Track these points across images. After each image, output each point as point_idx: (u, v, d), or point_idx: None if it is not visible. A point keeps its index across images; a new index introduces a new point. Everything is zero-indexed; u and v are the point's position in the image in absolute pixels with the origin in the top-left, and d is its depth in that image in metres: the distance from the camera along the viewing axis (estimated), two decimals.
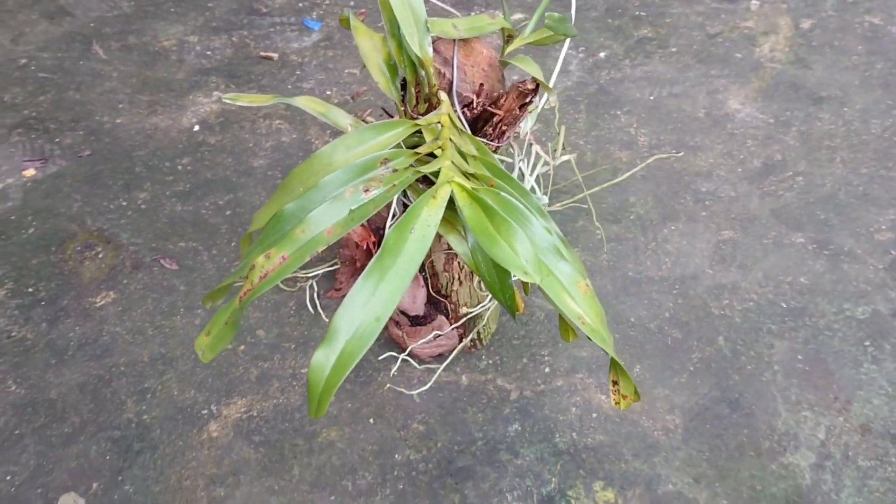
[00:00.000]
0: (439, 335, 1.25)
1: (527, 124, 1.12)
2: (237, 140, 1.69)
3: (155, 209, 1.57)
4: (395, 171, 0.67)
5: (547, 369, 1.32)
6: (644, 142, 1.66)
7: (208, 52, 1.93)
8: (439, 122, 0.81)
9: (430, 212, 0.65)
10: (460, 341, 1.32)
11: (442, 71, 0.92)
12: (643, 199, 1.55)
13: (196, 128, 1.74)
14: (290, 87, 1.82)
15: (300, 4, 2.03)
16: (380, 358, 1.33)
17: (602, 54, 1.86)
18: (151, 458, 1.24)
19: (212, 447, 1.25)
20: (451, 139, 0.80)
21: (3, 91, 1.84)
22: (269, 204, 0.79)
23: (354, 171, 0.70)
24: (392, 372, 1.31)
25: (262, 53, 1.88)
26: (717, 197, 1.55)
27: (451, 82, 0.92)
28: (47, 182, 1.64)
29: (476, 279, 1.20)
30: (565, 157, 1.19)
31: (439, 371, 1.30)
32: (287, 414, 1.28)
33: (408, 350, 1.27)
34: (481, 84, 0.96)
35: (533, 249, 0.62)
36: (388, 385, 1.30)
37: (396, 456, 1.23)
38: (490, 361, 1.34)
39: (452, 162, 0.72)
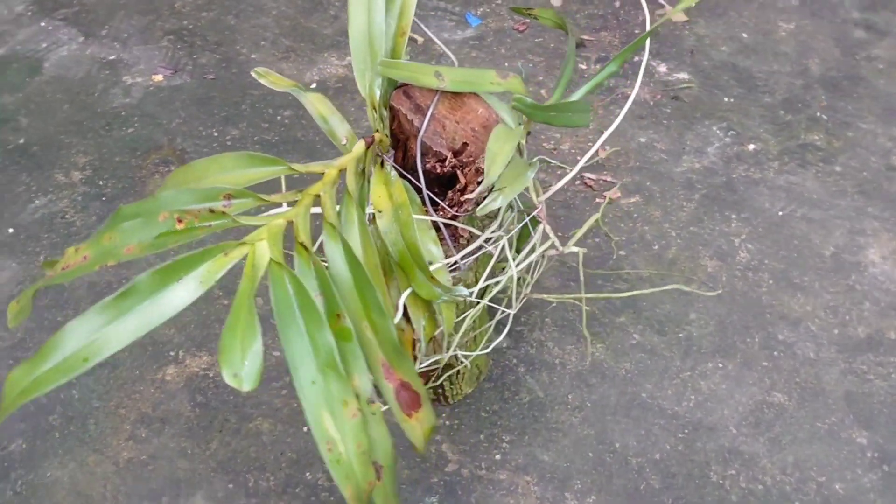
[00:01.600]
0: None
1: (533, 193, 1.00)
2: (340, 109, 1.69)
3: (237, 149, 1.61)
4: (212, 211, 0.60)
5: (498, 456, 1.20)
6: (743, 259, 1.43)
7: None
8: (324, 173, 0.73)
9: (211, 268, 0.58)
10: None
11: (410, 118, 0.83)
12: (704, 320, 1.34)
13: (313, 85, 1.76)
14: None
15: None
16: None
17: (751, 146, 1.62)
18: (108, 374, 1.29)
19: (158, 389, 1.28)
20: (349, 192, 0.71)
21: None
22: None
23: (194, 195, 0.65)
24: None
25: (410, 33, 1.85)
26: (792, 352, 1.30)
27: (419, 131, 0.83)
28: (166, 92, 1.74)
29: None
30: (574, 248, 1.05)
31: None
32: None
33: None
34: (465, 143, 0.86)
35: (258, 359, 0.53)
36: None
37: (307, 474, 1.19)
38: (447, 422, 1.24)
39: (295, 223, 0.64)
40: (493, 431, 1.23)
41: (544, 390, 1.27)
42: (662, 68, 1.79)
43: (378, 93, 0.77)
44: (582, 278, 1.15)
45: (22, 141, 1.65)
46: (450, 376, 1.21)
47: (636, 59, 1.80)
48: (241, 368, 0.52)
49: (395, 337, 0.64)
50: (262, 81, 1.02)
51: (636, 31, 1.88)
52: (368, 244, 0.68)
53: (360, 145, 0.75)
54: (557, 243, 1.05)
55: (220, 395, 1.26)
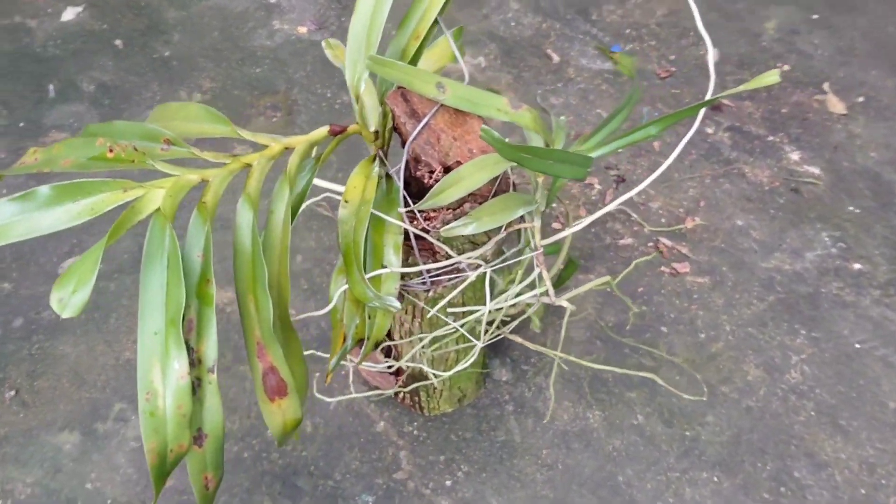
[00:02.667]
0: (373, 367, 1.18)
1: (534, 236, 0.97)
2: None
3: (340, 116, 1.67)
4: (136, 150, 0.63)
5: (449, 482, 1.17)
6: (792, 379, 1.29)
7: (515, 21, 1.93)
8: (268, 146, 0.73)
9: (106, 199, 0.61)
10: (396, 393, 1.24)
11: (403, 121, 0.82)
12: (720, 427, 1.23)
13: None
14: (540, 91, 1.75)
15: (627, 30, 1.90)
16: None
17: (857, 266, 1.46)
18: None
19: None
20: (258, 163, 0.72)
21: None
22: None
23: (141, 132, 0.68)
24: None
25: (549, 51, 1.83)
26: (802, 495, 1.17)
27: (409, 136, 0.82)
28: (303, 44, 1.83)
29: (426, 346, 1.09)
30: (564, 303, 1.00)
31: (357, 396, 1.23)
32: None
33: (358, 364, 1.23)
34: (458, 162, 0.84)
35: (86, 294, 0.55)
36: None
37: (234, 446, 1.22)
38: (416, 432, 1.23)
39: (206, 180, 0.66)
40: (455, 458, 1.20)
41: (523, 436, 1.23)
42: (795, 155, 1.64)
43: (363, 86, 0.77)
44: (562, 333, 1.09)
45: (167, 54, 1.80)
46: (426, 389, 1.19)
47: (756, 134, 1.67)
48: (69, 298, 0.54)
49: (272, 320, 0.65)
50: (327, 53, 1.05)
51: (783, 110, 1.73)
52: (287, 225, 0.68)
53: (320, 131, 0.75)
54: (552, 292, 1.00)
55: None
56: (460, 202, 0.82)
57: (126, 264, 1.43)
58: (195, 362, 0.62)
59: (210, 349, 0.62)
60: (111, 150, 0.65)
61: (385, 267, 0.85)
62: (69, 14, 1.88)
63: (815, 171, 1.62)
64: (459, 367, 1.04)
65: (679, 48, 1.86)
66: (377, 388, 1.25)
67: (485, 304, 1.02)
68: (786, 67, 1.83)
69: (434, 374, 1.09)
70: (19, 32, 1.84)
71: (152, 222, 0.60)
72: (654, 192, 1.57)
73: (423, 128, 0.82)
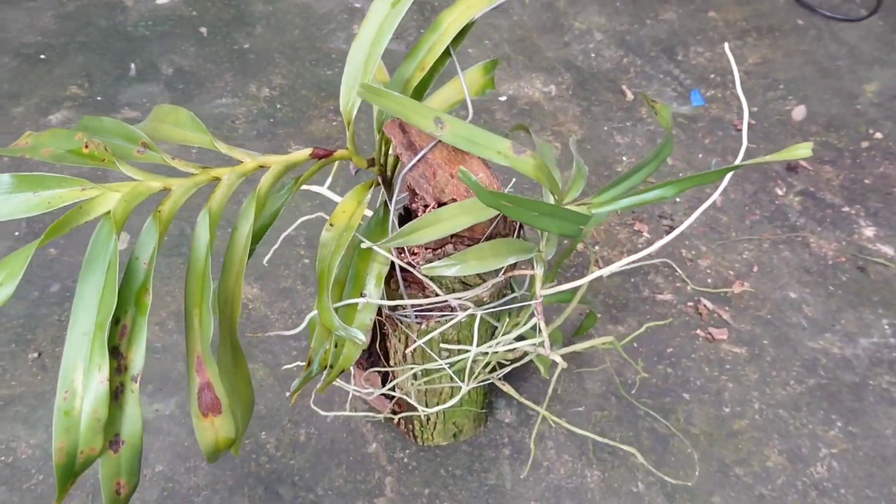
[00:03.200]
0: (358, 391, 1.16)
1: (535, 284, 0.93)
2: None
3: None
4: (106, 150, 0.64)
5: None
6: (817, 474, 1.19)
7: (595, 53, 1.87)
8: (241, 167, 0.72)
9: (64, 194, 0.61)
10: (393, 414, 1.21)
11: (400, 152, 0.80)
12: None
13: (502, 98, 1.75)
14: (606, 127, 1.69)
15: (712, 75, 1.81)
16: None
17: None
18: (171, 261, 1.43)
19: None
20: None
21: None
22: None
23: (122, 131, 0.69)
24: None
25: (624, 87, 1.77)
26: None
27: (403, 167, 0.80)
28: None
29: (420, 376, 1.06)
30: (558, 358, 0.96)
31: (352, 414, 1.22)
32: None
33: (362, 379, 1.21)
34: (453, 199, 0.82)
35: (10, 290, 0.56)
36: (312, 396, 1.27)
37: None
38: (406, 460, 1.21)
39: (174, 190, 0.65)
40: (440, 493, 1.17)
41: (514, 483, 1.18)
42: (869, 231, 1.52)
43: (355, 112, 0.76)
44: (549, 391, 1.04)
45: (246, 46, 1.85)
46: (419, 419, 1.17)
47: (830, 202, 1.55)
48: None
49: (210, 337, 0.64)
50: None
51: (866, 180, 1.61)
52: (247, 246, 0.67)
53: (302, 153, 0.74)
54: (547, 344, 0.96)
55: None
56: (441, 243, 0.79)
57: (176, 242, 1.47)
58: (122, 368, 0.61)
59: (138, 357, 0.62)
60: (87, 147, 0.66)
61: (363, 296, 0.83)
62: None
63: (889, 251, 1.49)
64: (444, 406, 1.01)
65: (764, 100, 1.76)
66: (374, 409, 1.23)
67: (479, 344, 0.99)
68: (878, 135, 1.70)
69: (420, 407, 1.06)
70: (115, 10, 1.92)
71: (100, 225, 0.60)
72: (706, 248, 1.49)
73: (418, 161, 0.80)
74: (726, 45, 0.83)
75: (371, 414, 1.21)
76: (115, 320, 0.61)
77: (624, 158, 1.63)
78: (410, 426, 1.20)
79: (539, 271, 0.93)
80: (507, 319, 1.04)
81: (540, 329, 0.95)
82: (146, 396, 1.28)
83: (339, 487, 1.18)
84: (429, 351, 0.95)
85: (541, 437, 1.23)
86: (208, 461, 0.68)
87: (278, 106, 1.71)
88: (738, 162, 0.85)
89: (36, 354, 1.32)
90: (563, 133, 1.67)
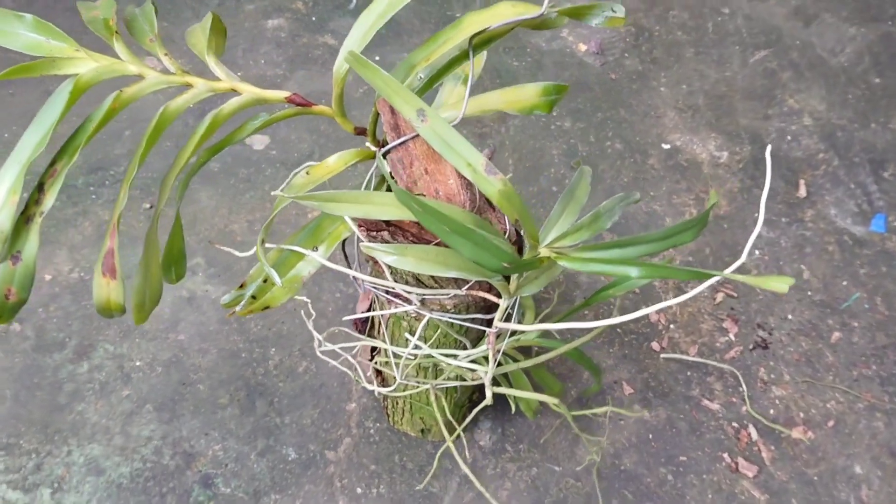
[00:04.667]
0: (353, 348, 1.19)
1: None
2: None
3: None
4: (115, 28, 0.72)
5: (360, 490, 1.17)
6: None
7: (792, 136, 1.69)
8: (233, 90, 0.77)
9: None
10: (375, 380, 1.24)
11: (385, 130, 0.81)
12: None
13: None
14: (757, 214, 1.53)
15: (872, 199, 1.55)
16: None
17: None
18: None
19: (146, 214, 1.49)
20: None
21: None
22: None
23: (149, 19, 0.78)
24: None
25: (802, 182, 1.58)
26: None
27: (386, 145, 0.82)
28: (571, 59, 1.81)
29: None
30: (488, 401, 0.92)
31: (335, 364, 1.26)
32: None
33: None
34: (422, 195, 0.82)
35: None
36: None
37: (192, 372, 1.31)
38: (372, 432, 1.23)
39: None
40: (382, 476, 1.19)
41: (452, 502, 1.16)
42: None
43: (343, 76, 0.77)
44: (464, 457, 0.99)
45: (458, 15, 1.91)
46: (392, 399, 1.18)
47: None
48: None
49: (121, 209, 0.72)
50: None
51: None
52: (187, 155, 0.73)
53: (279, 93, 0.77)
54: (488, 382, 0.93)
55: None
56: (377, 226, 0.80)
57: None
58: (39, 202, 0.70)
59: (51, 198, 0.70)
60: (112, 21, 0.75)
61: (315, 250, 0.86)
62: None
63: None
64: (387, 391, 1.02)
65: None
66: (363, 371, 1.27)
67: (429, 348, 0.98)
68: None
69: (374, 384, 1.08)
70: None
71: (66, 83, 0.69)
72: (790, 378, 1.31)
73: (398, 145, 0.81)
74: None
75: (351, 372, 1.25)
76: (52, 162, 0.71)
77: (757, 252, 1.48)
78: (386, 402, 1.22)
79: (504, 302, 0.90)
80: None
81: (492, 359, 0.92)
82: (204, 276, 1.42)
83: (304, 426, 1.24)
84: (382, 333, 0.97)
85: (502, 473, 1.19)
86: (100, 314, 0.76)
87: None
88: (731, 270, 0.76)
89: (146, 205, 1.52)
90: (703, 201, 1.55)
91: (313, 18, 1.92)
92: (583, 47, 1.84)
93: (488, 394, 0.92)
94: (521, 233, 0.99)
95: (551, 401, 0.93)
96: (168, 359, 1.32)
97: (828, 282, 1.44)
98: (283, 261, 0.87)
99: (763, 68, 1.84)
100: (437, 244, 0.83)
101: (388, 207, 0.75)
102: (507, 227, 0.91)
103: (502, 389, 0.95)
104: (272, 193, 0.71)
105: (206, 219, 1.52)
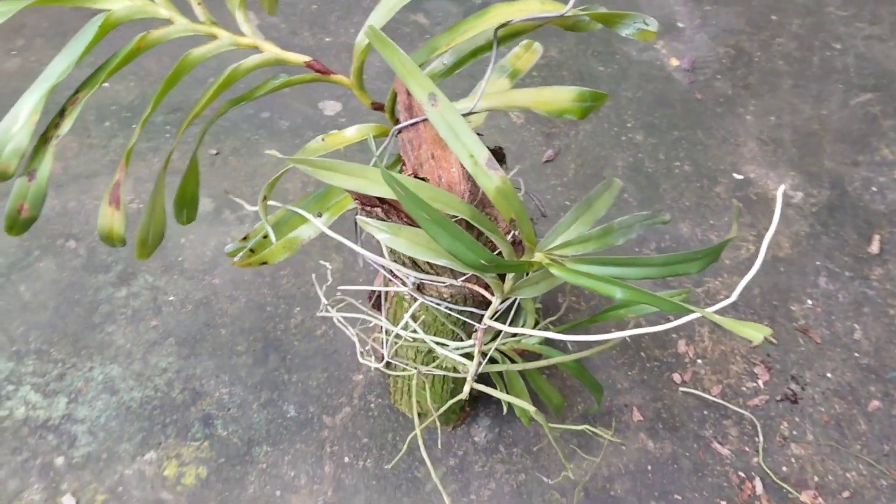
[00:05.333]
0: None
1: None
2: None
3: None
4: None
5: (347, 459, 1.18)
6: None
7: (883, 181, 1.58)
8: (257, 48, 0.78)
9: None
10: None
11: (399, 109, 0.81)
12: None
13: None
14: (819, 262, 1.44)
15: None
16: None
17: None
18: None
19: None
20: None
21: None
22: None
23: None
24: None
25: (876, 237, 1.48)
26: None
27: (398, 123, 0.82)
28: (659, 73, 1.75)
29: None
30: (465, 391, 0.92)
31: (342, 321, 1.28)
32: None
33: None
34: (425, 179, 0.82)
35: None
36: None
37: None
38: (372, 406, 1.24)
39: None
40: (372, 451, 1.20)
41: (433, 491, 1.16)
42: None
43: (363, 49, 0.77)
44: (434, 477, 0.98)
45: None
46: (393, 378, 1.19)
47: None
48: None
49: (131, 146, 0.75)
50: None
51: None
52: (208, 97, 0.76)
53: (299, 57, 0.78)
54: (470, 379, 0.92)
55: None
56: (371, 202, 0.80)
57: None
58: (57, 125, 0.75)
59: (68, 124, 0.74)
60: None
61: (319, 216, 0.88)
62: None
63: None
64: (378, 365, 1.03)
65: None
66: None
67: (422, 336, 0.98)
68: None
69: (373, 360, 1.09)
70: None
71: (98, 16, 0.73)
72: (813, 439, 1.23)
73: (409, 125, 0.81)
74: None
75: (360, 343, 1.26)
76: (75, 91, 0.75)
77: (809, 302, 1.39)
78: (389, 380, 1.23)
79: (496, 300, 0.89)
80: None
81: (485, 356, 0.92)
82: (251, 226, 1.46)
83: (310, 387, 1.26)
84: (372, 310, 0.97)
85: (489, 474, 1.18)
86: (102, 241, 0.80)
87: None
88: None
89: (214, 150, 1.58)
90: (760, 239, 1.47)
91: None
92: (674, 62, 1.78)
93: (466, 388, 0.91)
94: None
95: (529, 409, 0.91)
96: (199, 299, 1.37)
97: (880, 346, 1.34)
98: (286, 220, 0.88)
99: (864, 112, 1.72)
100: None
101: (382, 185, 0.75)
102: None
103: (482, 387, 0.94)
104: (277, 157, 0.73)
105: (266, 173, 1.57)
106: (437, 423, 1.19)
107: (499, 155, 0.94)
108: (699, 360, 1.32)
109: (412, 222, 0.83)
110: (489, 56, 0.84)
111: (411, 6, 1.92)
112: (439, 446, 1.21)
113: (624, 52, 1.81)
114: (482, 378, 1.05)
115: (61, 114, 0.76)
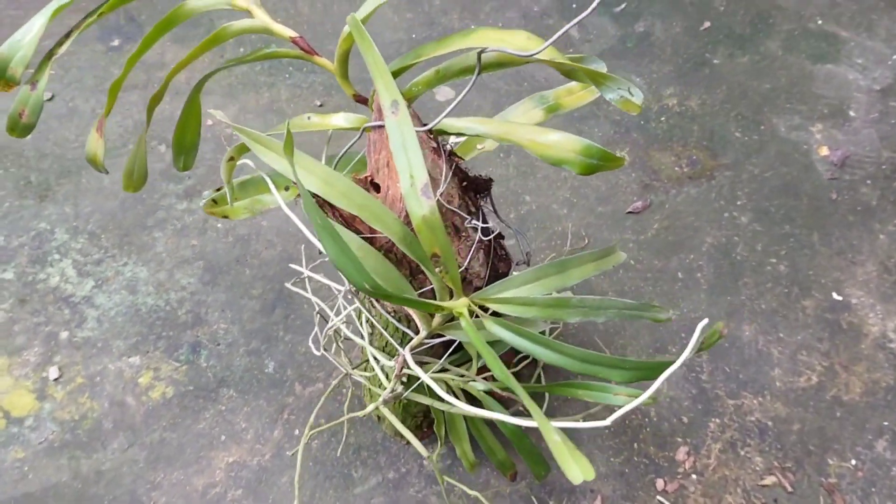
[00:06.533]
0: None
1: None
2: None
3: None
4: None
5: (315, 443, 1.18)
6: None
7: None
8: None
9: None
10: None
11: (374, 109, 0.78)
12: None
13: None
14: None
15: None
16: None
17: None
18: None
19: None
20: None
21: None
22: None
23: None
24: None
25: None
26: None
27: (368, 124, 0.78)
28: (801, 159, 1.56)
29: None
30: (365, 411, 0.88)
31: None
32: None
33: None
34: (377, 187, 0.79)
35: None
36: None
37: None
38: (346, 392, 1.23)
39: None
40: (334, 440, 1.19)
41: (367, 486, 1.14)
42: None
43: (345, 35, 0.74)
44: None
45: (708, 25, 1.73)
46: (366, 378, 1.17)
47: None
48: None
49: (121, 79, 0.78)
50: None
51: None
52: (203, 45, 0.77)
53: (285, 30, 0.76)
54: (383, 398, 0.88)
55: None
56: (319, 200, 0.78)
57: None
58: (61, 44, 0.79)
59: (66, 45, 0.78)
60: None
61: (286, 189, 0.87)
62: None
63: None
64: (333, 357, 1.01)
65: None
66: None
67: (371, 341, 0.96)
68: None
69: (339, 363, 1.07)
70: None
71: None
72: None
73: (378, 127, 0.77)
74: None
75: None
76: (84, 18, 0.79)
77: (853, 462, 1.19)
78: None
79: (421, 334, 0.84)
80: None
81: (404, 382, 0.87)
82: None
83: (296, 352, 1.28)
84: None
85: (421, 502, 1.13)
86: (88, 162, 0.84)
87: None
88: None
89: None
90: (834, 377, 1.27)
91: (573, 6, 1.86)
92: (824, 151, 1.58)
93: (369, 408, 0.87)
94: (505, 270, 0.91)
95: (419, 448, 0.86)
96: (242, 234, 1.42)
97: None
98: (256, 183, 0.89)
99: None
100: (363, 237, 0.79)
101: (312, 177, 0.73)
102: (464, 263, 0.84)
103: (387, 412, 0.89)
104: (222, 119, 0.72)
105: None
106: (394, 433, 1.17)
107: (483, 185, 0.88)
108: (693, 476, 1.17)
109: (348, 226, 0.80)
110: (534, 78, 0.78)
111: (567, 16, 1.84)
112: (389, 454, 1.18)
113: (771, 125, 1.62)
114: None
115: (68, 35, 0.79)
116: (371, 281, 0.69)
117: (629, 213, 1.48)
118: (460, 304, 0.77)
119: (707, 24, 1.85)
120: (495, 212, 0.95)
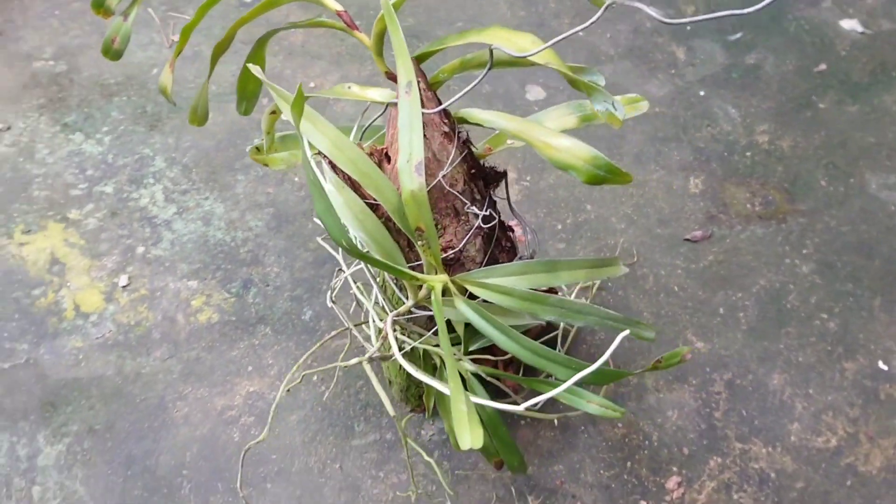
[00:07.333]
0: None
1: None
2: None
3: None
4: None
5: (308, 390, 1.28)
6: None
7: None
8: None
9: None
10: None
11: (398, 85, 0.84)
12: None
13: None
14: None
15: None
16: None
17: None
18: None
19: None
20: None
21: None
22: None
23: None
24: None
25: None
26: None
27: (392, 100, 0.85)
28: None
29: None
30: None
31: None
32: None
33: None
34: (389, 158, 0.85)
35: None
36: None
37: None
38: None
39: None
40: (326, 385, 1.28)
41: (360, 439, 1.22)
42: None
43: (384, 12, 0.80)
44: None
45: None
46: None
47: None
48: None
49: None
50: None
51: None
52: (234, 29, 0.86)
53: (334, 4, 0.83)
54: (368, 354, 0.95)
55: None
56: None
57: None
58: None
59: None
60: None
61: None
62: None
63: None
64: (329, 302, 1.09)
65: None
66: None
67: (377, 303, 1.03)
68: None
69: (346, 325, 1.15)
70: None
71: None
72: None
73: (396, 104, 0.84)
74: None
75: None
76: None
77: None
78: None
79: (408, 302, 0.90)
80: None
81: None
82: None
83: (328, 309, 1.36)
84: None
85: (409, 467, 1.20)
86: (159, 91, 0.96)
87: None
88: None
89: None
90: (853, 440, 1.23)
91: (688, 28, 1.84)
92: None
93: (352, 361, 0.95)
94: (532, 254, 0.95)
95: (388, 407, 0.92)
96: (274, 213, 1.53)
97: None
98: (295, 138, 0.98)
99: None
100: (366, 202, 0.86)
101: (325, 139, 0.80)
102: (459, 245, 0.89)
103: (368, 370, 0.96)
104: (262, 78, 0.81)
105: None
106: (405, 399, 1.24)
107: (493, 177, 0.93)
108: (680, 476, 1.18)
109: (354, 187, 0.87)
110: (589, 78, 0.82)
111: (678, 37, 1.82)
112: (390, 416, 1.25)
113: (863, 179, 1.55)
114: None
115: None
116: (348, 240, 0.76)
117: (686, 240, 1.47)
118: (436, 280, 0.83)
119: (823, 66, 1.78)
120: (510, 204, 0.99)
